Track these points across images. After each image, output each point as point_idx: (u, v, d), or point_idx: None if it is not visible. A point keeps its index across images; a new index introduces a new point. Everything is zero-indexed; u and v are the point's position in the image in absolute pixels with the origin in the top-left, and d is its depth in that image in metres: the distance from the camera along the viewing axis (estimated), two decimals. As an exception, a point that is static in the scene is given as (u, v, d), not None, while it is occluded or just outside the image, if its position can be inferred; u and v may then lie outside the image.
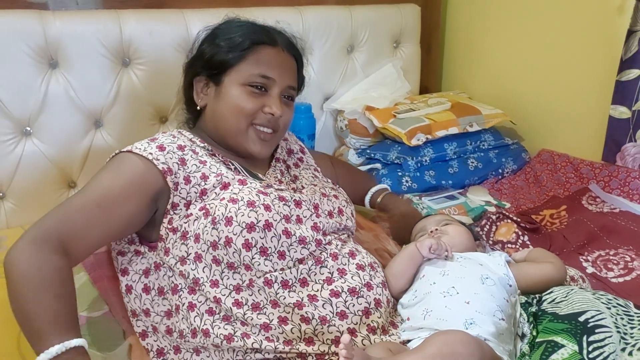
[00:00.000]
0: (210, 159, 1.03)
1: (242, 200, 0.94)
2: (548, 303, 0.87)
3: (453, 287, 0.94)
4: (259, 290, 0.94)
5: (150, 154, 0.96)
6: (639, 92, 1.57)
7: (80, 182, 1.58)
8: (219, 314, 0.93)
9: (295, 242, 0.96)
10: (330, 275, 0.97)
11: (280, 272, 0.94)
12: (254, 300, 0.93)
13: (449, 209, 1.59)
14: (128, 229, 0.98)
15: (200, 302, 0.94)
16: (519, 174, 1.87)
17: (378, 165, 1.79)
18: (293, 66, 1.12)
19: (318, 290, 0.95)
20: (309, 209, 1.03)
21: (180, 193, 0.97)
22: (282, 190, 1.03)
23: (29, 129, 1.48)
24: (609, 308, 0.83)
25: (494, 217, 1.49)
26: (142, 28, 1.55)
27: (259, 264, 0.93)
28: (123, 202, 0.94)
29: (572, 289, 0.89)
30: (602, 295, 0.88)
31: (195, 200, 0.97)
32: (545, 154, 1.89)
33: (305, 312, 0.92)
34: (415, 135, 1.74)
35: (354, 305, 0.94)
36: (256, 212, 0.93)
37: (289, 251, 0.95)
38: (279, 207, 0.97)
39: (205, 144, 1.06)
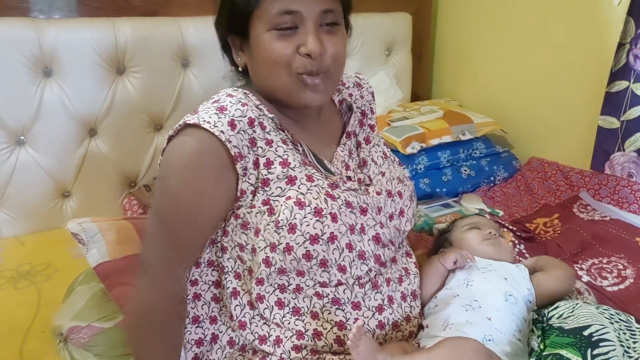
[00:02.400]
0: (277, 137, 0.90)
1: (309, 205, 0.85)
2: (556, 318, 0.89)
3: (476, 301, 0.94)
4: (304, 298, 0.90)
5: (222, 132, 0.83)
6: (627, 103, 1.61)
7: (75, 192, 1.56)
8: (258, 310, 0.91)
9: (355, 256, 0.90)
10: (381, 303, 0.94)
11: (335, 288, 0.90)
12: (295, 304, 0.90)
13: (444, 217, 1.61)
14: (220, 217, 0.91)
15: (245, 290, 0.92)
16: (510, 182, 1.90)
17: None
18: None
19: (368, 317, 0.92)
20: (372, 217, 0.93)
21: (249, 179, 0.87)
22: (348, 190, 0.93)
23: (22, 138, 1.46)
24: (612, 323, 0.86)
25: (489, 225, 1.51)
26: (137, 36, 1.54)
27: (315, 274, 0.89)
28: (205, 204, 0.87)
29: (577, 304, 0.91)
30: (605, 310, 0.90)
31: (258, 190, 0.88)
32: (535, 161, 1.92)
33: (344, 335, 0.90)
34: (410, 144, 1.76)
35: (391, 338, 0.93)
36: (322, 223, 0.85)
37: (350, 267, 0.90)
38: (346, 216, 0.88)
39: (273, 115, 0.91)
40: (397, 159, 1.13)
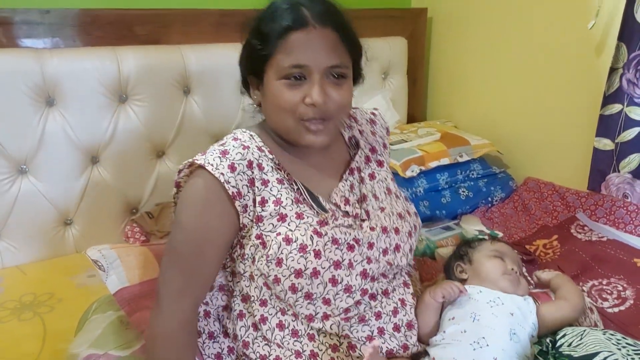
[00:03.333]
0: (273, 176, 0.98)
1: (295, 242, 0.94)
2: (566, 347, 0.90)
3: (483, 338, 0.96)
4: (301, 321, 0.98)
5: (222, 174, 0.93)
6: (621, 126, 1.65)
7: (77, 219, 1.56)
8: (261, 331, 0.99)
9: (341, 290, 0.96)
10: (370, 334, 0.99)
11: (322, 321, 0.96)
12: (294, 326, 0.98)
13: (445, 240, 1.63)
14: (225, 247, 1.00)
15: (250, 313, 1.00)
16: (508, 202, 1.93)
17: None
18: (333, 41, 0.95)
19: (359, 343, 0.97)
20: (360, 254, 0.98)
21: (249, 215, 0.96)
22: (339, 226, 0.99)
23: (25, 167, 1.46)
24: (620, 349, 0.87)
25: (491, 248, 1.53)
26: (139, 64, 1.55)
27: (302, 307, 0.96)
28: (211, 233, 0.96)
29: (584, 330, 0.93)
30: (612, 335, 0.92)
31: (254, 225, 0.97)
32: (531, 182, 1.95)
33: (337, 356, 0.95)
34: (409, 167, 1.78)
35: None
36: (305, 259, 0.93)
37: (334, 299, 0.96)
38: (330, 252, 0.95)
39: (273, 156, 1.00)
40: (402, 195, 1.17)
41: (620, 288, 1.38)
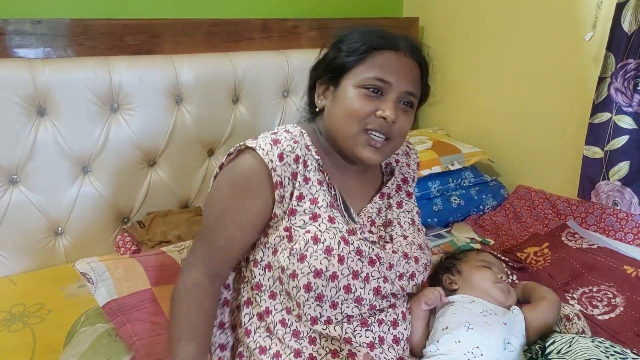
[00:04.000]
0: (315, 176, 1.00)
1: (323, 243, 0.95)
2: (555, 354, 0.91)
3: (477, 348, 0.96)
4: (304, 323, 0.98)
5: (271, 160, 0.96)
6: (610, 134, 1.66)
7: (68, 229, 1.55)
8: (265, 322, 1.00)
9: (351, 299, 0.97)
10: (373, 340, 0.99)
11: (325, 325, 0.97)
12: (296, 327, 0.98)
13: (437, 248, 1.64)
14: (252, 233, 1.02)
15: (256, 302, 1.02)
16: (499, 210, 1.94)
17: None
18: (415, 72, 1.03)
19: (359, 351, 0.97)
20: (379, 271, 1.00)
21: (282, 206, 0.99)
22: (365, 240, 1.02)
23: (16, 177, 1.46)
24: (608, 357, 0.88)
25: (482, 256, 1.53)
26: (131, 74, 1.56)
27: (309, 307, 0.96)
28: (244, 219, 0.99)
29: (573, 338, 0.94)
30: (600, 343, 0.92)
31: (285, 217, 0.99)
32: (522, 190, 1.96)
33: None
34: (400, 176, 1.79)
35: None
36: (328, 261, 0.94)
37: (341, 305, 0.97)
38: (352, 261, 0.97)
39: (319, 157, 1.02)
40: (423, 229, 1.19)
41: (611, 295, 1.39)
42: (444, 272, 1.23)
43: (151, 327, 1.04)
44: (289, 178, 0.98)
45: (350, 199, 1.06)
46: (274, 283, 1.00)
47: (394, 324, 1.03)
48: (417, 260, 1.08)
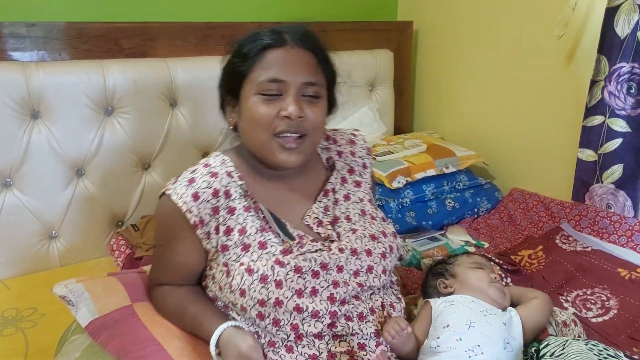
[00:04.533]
0: (241, 204, 1.00)
1: (256, 272, 0.95)
2: (549, 357, 0.91)
3: (478, 346, 0.96)
4: (277, 331, 0.97)
5: (185, 202, 0.97)
6: (604, 137, 1.67)
7: (62, 233, 1.55)
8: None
9: (307, 316, 0.95)
10: (350, 349, 0.97)
11: (296, 342, 0.96)
12: (271, 338, 0.98)
13: (431, 251, 1.64)
14: (197, 266, 1.06)
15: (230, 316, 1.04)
16: (493, 213, 1.94)
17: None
18: (310, 61, 1.00)
19: (337, 356, 0.96)
20: (326, 280, 0.97)
21: (211, 242, 1.00)
22: (304, 253, 0.98)
23: (9, 180, 1.45)
24: (600, 360, 0.88)
25: (476, 259, 1.54)
26: (125, 77, 1.56)
27: (271, 332, 0.96)
28: (180, 257, 1.04)
29: (567, 341, 0.94)
30: (594, 345, 0.92)
31: (219, 254, 1.00)
32: (516, 193, 1.97)
33: None
34: (395, 178, 1.79)
35: None
36: (267, 289, 0.93)
37: (302, 324, 0.96)
38: (292, 282, 0.95)
39: (243, 182, 1.02)
40: (380, 216, 1.16)
41: (604, 298, 1.39)
42: (436, 278, 1.23)
43: (137, 341, 1.01)
44: (209, 215, 0.99)
45: (288, 211, 1.05)
46: (234, 306, 1.01)
47: (376, 334, 1.00)
48: (369, 252, 1.04)
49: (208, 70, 1.69)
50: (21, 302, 1.37)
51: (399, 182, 1.79)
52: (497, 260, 1.50)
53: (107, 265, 1.55)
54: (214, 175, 1.00)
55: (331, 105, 1.10)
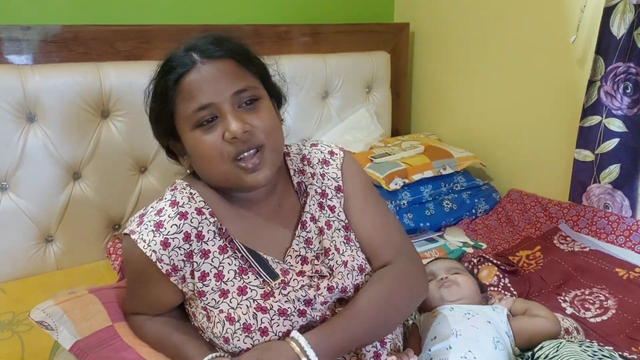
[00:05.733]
0: (215, 245, 0.93)
1: (238, 321, 0.89)
2: (544, 358, 0.90)
3: (470, 352, 0.95)
4: None
5: (154, 252, 0.89)
6: (601, 137, 1.67)
7: (58, 236, 1.54)
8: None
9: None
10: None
11: None
12: None
13: (429, 252, 1.64)
14: (174, 303, 1.00)
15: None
16: (491, 214, 1.94)
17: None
18: (228, 68, 0.91)
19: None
20: (313, 317, 0.92)
21: (187, 285, 0.93)
22: (288, 294, 0.92)
23: (5, 184, 1.44)
24: (594, 361, 0.88)
25: (474, 260, 1.53)
26: (121, 80, 1.55)
27: None
28: (155, 300, 0.99)
29: (561, 343, 0.93)
30: (588, 347, 0.92)
31: (195, 297, 0.94)
32: (514, 194, 1.97)
33: None
34: (393, 180, 1.79)
35: None
36: (252, 338, 0.89)
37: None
38: (278, 326, 0.90)
39: (215, 219, 0.94)
40: (357, 246, 1.05)
41: (603, 298, 1.39)
42: None
43: None
44: (183, 260, 0.91)
45: (267, 242, 0.97)
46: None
47: (376, 356, 0.97)
48: (357, 288, 0.97)
49: None
50: (17, 305, 1.36)
51: (396, 184, 1.79)
52: (494, 261, 1.50)
53: (104, 269, 1.54)
54: (183, 216, 0.91)
55: (277, 98, 1.02)
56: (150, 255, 0.89)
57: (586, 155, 1.72)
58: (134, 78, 1.57)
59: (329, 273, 0.97)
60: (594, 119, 1.67)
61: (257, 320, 0.89)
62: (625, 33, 1.56)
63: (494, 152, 2.10)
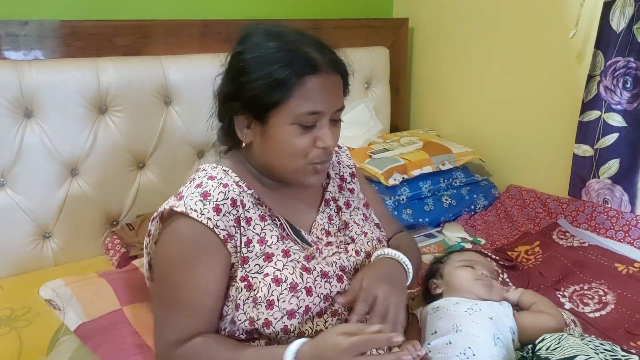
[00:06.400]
0: (256, 213, 0.97)
1: (285, 281, 0.92)
2: (544, 350, 0.90)
3: (469, 348, 0.95)
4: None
5: (209, 219, 0.90)
6: (600, 132, 1.67)
7: (56, 232, 1.54)
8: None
9: (329, 317, 0.97)
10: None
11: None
12: None
13: (428, 247, 1.63)
14: (222, 290, 0.95)
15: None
16: (490, 210, 1.94)
17: (372, 188, 1.81)
18: (340, 85, 0.99)
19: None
20: (348, 282, 0.99)
21: (237, 256, 0.95)
22: (325, 258, 1.00)
23: (2, 179, 1.44)
24: (597, 353, 0.87)
25: (473, 255, 1.53)
26: (119, 75, 1.55)
27: (292, 341, 0.90)
28: (207, 287, 0.92)
29: (562, 335, 0.93)
30: (590, 341, 0.92)
31: (239, 267, 0.94)
32: (513, 189, 1.96)
33: None
34: (392, 176, 1.78)
35: None
36: (298, 298, 0.92)
37: (325, 326, 0.96)
38: (321, 287, 0.95)
39: (252, 190, 0.98)
40: (375, 221, 1.18)
41: (602, 293, 1.39)
42: (429, 278, 1.23)
43: (127, 348, 1.01)
44: (234, 227, 0.93)
45: (296, 219, 1.03)
46: (245, 334, 0.95)
47: None
48: (368, 255, 1.07)
49: (203, 68, 1.68)
50: (15, 301, 1.35)
51: (395, 180, 1.79)
52: (493, 257, 1.50)
53: (102, 265, 1.53)
54: (225, 185, 0.95)
55: None
56: (207, 223, 0.90)
57: (585, 150, 1.72)
58: (131, 73, 1.57)
59: (352, 241, 1.07)
60: (594, 114, 1.67)
61: (303, 280, 0.93)
62: (625, 27, 1.56)
63: (493, 147, 2.09)
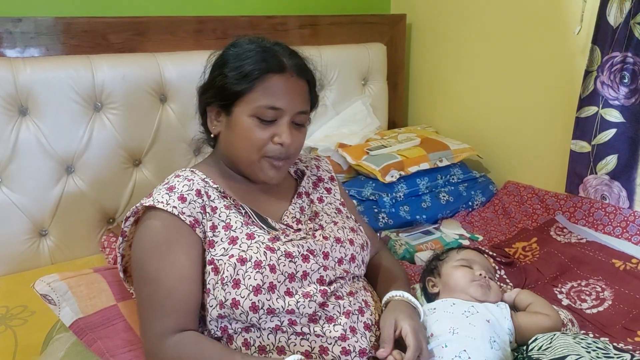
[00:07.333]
0: (221, 203, 1.02)
1: (249, 260, 0.95)
2: (536, 350, 0.90)
3: (465, 351, 0.95)
4: (267, 335, 0.96)
5: (175, 207, 0.97)
6: (597, 128, 1.66)
7: (52, 230, 1.53)
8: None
9: (300, 297, 0.96)
10: (344, 333, 0.97)
11: (290, 326, 0.96)
12: (260, 342, 0.96)
13: (425, 245, 1.63)
14: (201, 276, 0.99)
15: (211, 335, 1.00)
16: (488, 206, 1.93)
17: (354, 202, 1.81)
18: (304, 90, 1.06)
19: (331, 344, 0.96)
20: (317, 262, 1.01)
21: (206, 240, 0.99)
22: (291, 241, 1.02)
23: (-3, 177, 1.44)
24: (589, 352, 0.87)
25: (470, 252, 1.52)
26: (114, 72, 1.54)
27: (266, 322, 0.95)
28: (182, 272, 0.96)
29: (554, 335, 0.92)
30: (582, 339, 0.91)
31: (206, 251, 0.98)
32: (511, 185, 1.96)
33: None
34: (389, 172, 1.78)
35: None
36: (262, 274, 0.94)
37: (297, 308, 0.96)
38: (284, 266, 0.97)
39: (218, 185, 1.05)
40: (352, 217, 1.21)
41: (599, 289, 1.38)
42: (427, 275, 1.22)
43: (122, 344, 1.01)
44: (200, 213, 0.99)
45: (266, 210, 1.08)
46: (218, 322, 0.97)
47: (360, 311, 1.01)
48: (352, 242, 1.10)
49: (198, 65, 1.61)
50: (11, 300, 1.35)
51: (392, 176, 1.78)
52: (490, 253, 1.50)
53: (98, 263, 1.53)
54: (190, 180, 1.02)
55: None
56: (172, 211, 0.96)
57: (583, 146, 1.71)
58: (126, 71, 1.56)
59: (320, 227, 1.10)
60: (591, 110, 1.66)
61: (267, 258, 0.96)
62: (622, 22, 1.55)
63: (490, 144, 2.09)
